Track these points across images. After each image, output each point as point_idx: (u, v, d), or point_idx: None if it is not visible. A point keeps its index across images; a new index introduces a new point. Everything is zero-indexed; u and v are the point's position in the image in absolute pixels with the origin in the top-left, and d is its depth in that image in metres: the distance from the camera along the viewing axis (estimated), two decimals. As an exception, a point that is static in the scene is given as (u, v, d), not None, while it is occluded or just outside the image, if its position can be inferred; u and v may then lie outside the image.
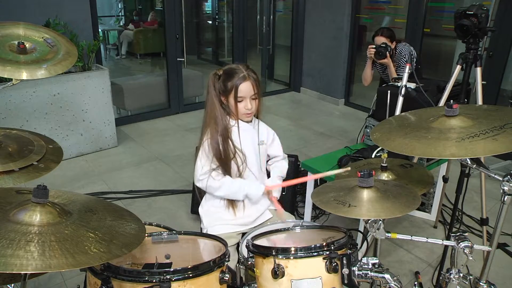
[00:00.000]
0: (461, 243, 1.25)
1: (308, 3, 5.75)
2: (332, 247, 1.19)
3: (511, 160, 3.67)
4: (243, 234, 1.75)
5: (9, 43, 1.33)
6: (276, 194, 1.81)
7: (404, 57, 3.22)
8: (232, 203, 1.75)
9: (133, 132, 4.48)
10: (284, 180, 1.90)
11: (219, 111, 1.68)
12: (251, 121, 1.77)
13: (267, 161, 1.92)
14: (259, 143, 1.80)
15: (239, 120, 1.72)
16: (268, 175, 1.89)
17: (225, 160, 1.69)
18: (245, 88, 1.63)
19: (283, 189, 2.67)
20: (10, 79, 1.29)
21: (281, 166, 1.92)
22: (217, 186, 1.69)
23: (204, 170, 1.69)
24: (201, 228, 1.85)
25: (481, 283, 1.43)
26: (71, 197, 1.15)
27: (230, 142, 1.68)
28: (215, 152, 1.67)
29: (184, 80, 5.05)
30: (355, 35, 5.41)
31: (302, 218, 2.74)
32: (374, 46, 3.15)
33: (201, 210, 1.84)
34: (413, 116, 1.44)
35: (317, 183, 2.52)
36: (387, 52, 3.05)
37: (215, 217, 1.78)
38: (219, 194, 1.72)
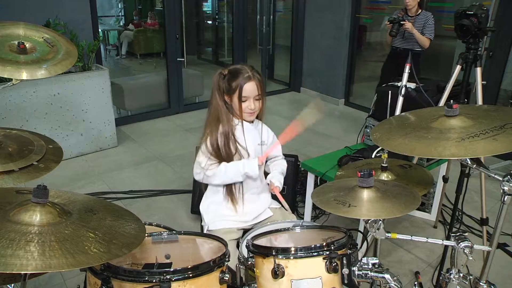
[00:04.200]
0: (461, 243, 1.25)
1: (308, 3, 5.75)
2: (332, 247, 1.19)
3: (511, 160, 3.67)
4: (244, 231, 1.75)
5: (9, 43, 1.33)
6: (278, 184, 1.81)
7: (428, 21, 3.71)
8: (232, 199, 1.76)
9: (133, 132, 4.48)
10: (283, 180, 1.90)
11: (224, 110, 1.69)
12: (253, 122, 1.78)
13: (266, 162, 1.93)
14: (260, 144, 1.80)
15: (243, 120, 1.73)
16: (266, 174, 1.90)
17: (226, 158, 1.69)
18: (250, 88, 1.64)
19: (283, 189, 2.68)
20: (10, 79, 1.29)
21: (281, 164, 1.93)
22: (212, 173, 1.69)
23: (201, 166, 1.70)
24: (201, 226, 1.86)
25: (481, 283, 1.43)
26: (71, 197, 1.15)
27: (233, 140, 1.69)
28: (214, 150, 1.68)
29: (184, 80, 5.05)
30: (355, 35, 5.41)
31: (302, 218, 2.74)
32: (389, 21, 3.65)
33: (201, 207, 1.85)
34: (413, 116, 1.44)
35: (317, 183, 2.52)
36: (401, 21, 3.57)
37: (215, 214, 1.79)
38: (217, 182, 1.72)
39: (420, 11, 3.79)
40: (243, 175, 1.71)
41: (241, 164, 1.69)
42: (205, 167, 1.70)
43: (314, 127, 4.73)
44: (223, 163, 1.70)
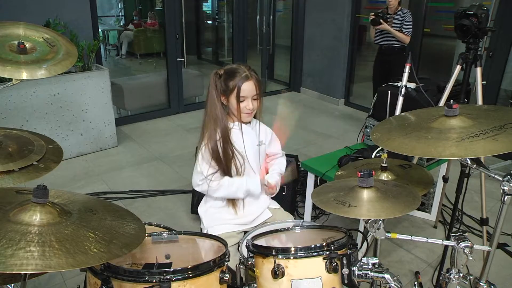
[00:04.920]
0: (461, 243, 1.25)
1: (308, 3, 5.75)
2: (332, 247, 1.19)
3: (511, 160, 3.67)
4: (244, 233, 1.75)
5: (9, 43, 1.33)
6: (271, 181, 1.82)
7: (405, 18, 3.96)
8: (232, 202, 1.75)
9: (133, 132, 4.48)
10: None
11: (220, 111, 1.67)
12: (250, 122, 1.77)
13: (266, 159, 1.92)
14: (258, 144, 1.80)
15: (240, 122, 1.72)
16: (267, 173, 1.90)
17: (224, 162, 1.68)
18: (248, 87, 1.62)
19: (283, 189, 2.68)
20: (10, 79, 1.29)
21: (279, 163, 1.92)
22: (215, 188, 1.69)
23: (203, 176, 1.68)
24: (201, 229, 1.85)
25: (481, 283, 1.43)
26: (71, 197, 1.15)
27: (230, 144, 1.68)
28: (213, 154, 1.66)
29: (184, 80, 5.05)
30: (355, 35, 5.41)
31: (302, 218, 2.74)
32: (374, 14, 4.00)
33: (200, 210, 1.84)
34: (413, 116, 1.44)
35: (317, 183, 2.52)
36: (381, 20, 3.96)
37: (215, 217, 1.78)
38: (219, 196, 1.72)
39: (399, 8, 4.03)
40: (245, 193, 1.71)
41: (244, 181, 1.69)
42: (208, 177, 1.68)
43: (314, 127, 4.74)
44: (226, 177, 1.69)
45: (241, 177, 1.73)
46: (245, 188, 1.70)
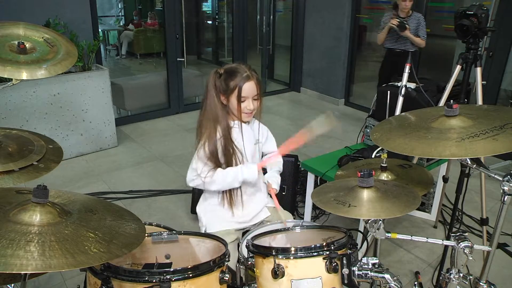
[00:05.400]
0: (461, 243, 1.25)
1: (308, 3, 5.75)
2: (332, 247, 1.19)
3: (511, 160, 3.67)
4: (243, 232, 1.75)
5: (9, 43, 1.33)
6: (276, 186, 1.81)
7: (421, 23, 3.87)
8: (230, 201, 1.74)
9: (133, 132, 4.48)
10: (281, 176, 1.91)
11: (220, 110, 1.65)
12: (249, 122, 1.76)
13: (262, 157, 1.92)
14: (256, 143, 1.79)
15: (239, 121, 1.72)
16: (264, 172, 1.89)
17: (226, 161, 1.67)
18: (249, 87, 1.61)
19: (283, 189, 2.68)
20: (10, 79, 1.29)
21: (277, 162, 1.92)
22: (210, 181, 1.66)
23: (196, 173, 1.67)
24: (199, 227, 1.85)
25: (481, 283, 1.43)
26: (71, 197, 1.15)
27: (231, 143, 1.67)
28: (211, 154, 1.64)
29: (184, 80, 5.05)
30: (355, 35, 5.41)
31: (302, 218, 2.74)
32: (398, 20, 3.81)
33: (199, 209, 1.83)
34: (413, 116, 1.44)
35: (317, 183, 2.52)
36: (406, 25, 3.80)
37: (213, 215, 1.77)
38: (215, 188, 1.69)
39: (411, 12, 3.91)
40: (241, 182, 1.69)
41: (240, 170, 1.66)
42: (201, 174, 1.66)
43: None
44: (220, 169, 1.66)
45: (236, 166, 1.69)
46: (241, 177, 1.66)
